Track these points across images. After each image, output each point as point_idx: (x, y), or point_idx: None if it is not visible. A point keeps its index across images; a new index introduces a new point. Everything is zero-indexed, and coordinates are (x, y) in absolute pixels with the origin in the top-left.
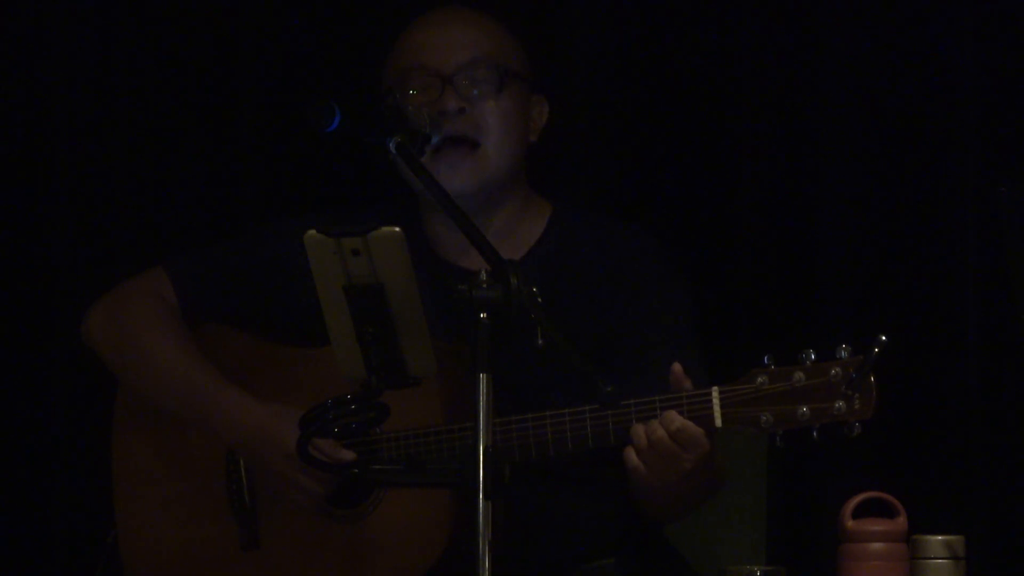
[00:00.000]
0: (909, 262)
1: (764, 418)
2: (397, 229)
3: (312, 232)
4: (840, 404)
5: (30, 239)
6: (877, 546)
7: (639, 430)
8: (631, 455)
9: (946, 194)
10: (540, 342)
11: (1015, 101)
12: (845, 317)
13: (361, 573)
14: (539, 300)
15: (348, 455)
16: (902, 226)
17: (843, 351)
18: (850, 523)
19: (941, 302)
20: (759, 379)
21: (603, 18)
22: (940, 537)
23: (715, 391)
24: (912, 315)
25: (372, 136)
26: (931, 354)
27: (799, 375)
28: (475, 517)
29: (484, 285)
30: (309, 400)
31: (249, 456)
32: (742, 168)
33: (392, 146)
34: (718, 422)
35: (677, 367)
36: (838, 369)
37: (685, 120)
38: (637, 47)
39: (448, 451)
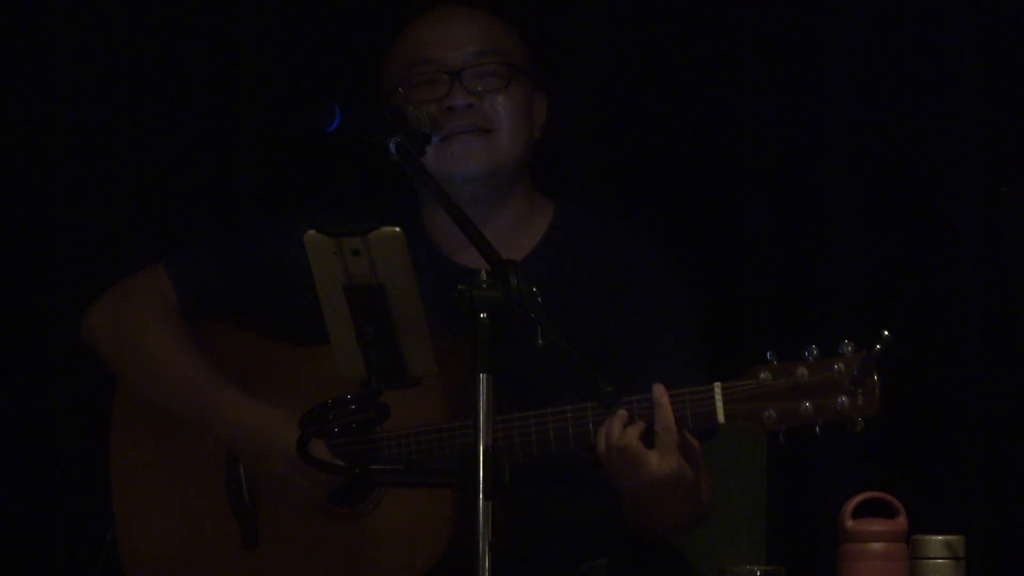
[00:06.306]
0: (909, 262)
1: (767, 414)
2: (397, 229)
3: (312, 232)
4: (843, 400)
5: (30, 237)
6: (877, 546)
7: (601, 430)
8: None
9: (946, 194)
10: (540, 342)
11: (1015, 101)
12: (846, 316)
13: (361, 572)
14: (539, 300)
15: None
16: (903, 225)
17: (846, 346)
18: (850, 523)
19: (941, 302)
20: (762, 375)
21: (605, 15)
22: (940, 537)
23: (717, 387)
24: (912, 315)
25: (372, 136)
26: (931, 354)
27: (802, 371)
28: (475, 517)
29: (484, 285)
30: (309, 399)
31: (247, 458)
32: (743, 165)
33: (392, 146)
34: (721, 417)
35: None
36: (841, 364)
37: (685, 117)
38: (638, 44)
39: (448, 450)
